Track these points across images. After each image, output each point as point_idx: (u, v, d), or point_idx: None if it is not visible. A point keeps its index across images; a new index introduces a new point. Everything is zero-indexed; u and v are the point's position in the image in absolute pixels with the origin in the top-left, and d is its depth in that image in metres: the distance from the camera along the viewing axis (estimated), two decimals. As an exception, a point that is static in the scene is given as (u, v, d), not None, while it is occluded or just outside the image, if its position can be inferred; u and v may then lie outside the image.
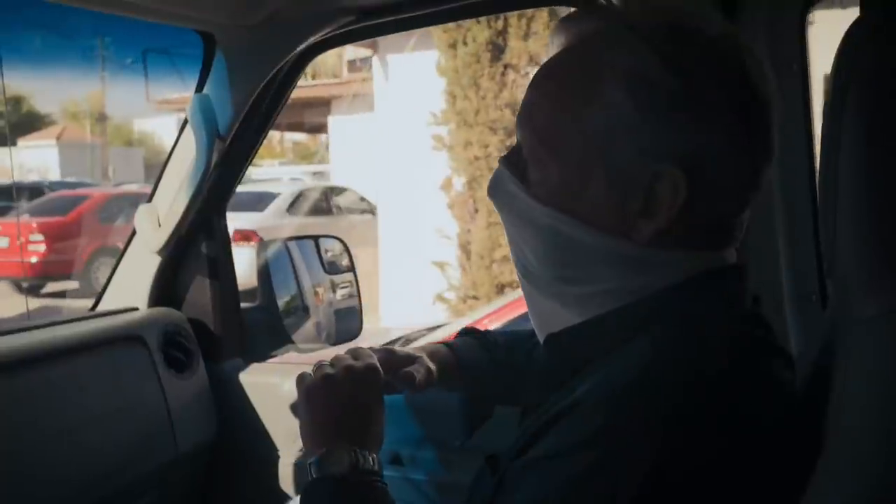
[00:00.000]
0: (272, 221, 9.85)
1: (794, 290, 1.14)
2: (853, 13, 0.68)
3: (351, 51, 12.41)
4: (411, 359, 0.99)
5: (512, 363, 1.06)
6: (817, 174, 1.10)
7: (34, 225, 9.97)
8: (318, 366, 0.92)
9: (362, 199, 11.98)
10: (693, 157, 0.67)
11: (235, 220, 9.48)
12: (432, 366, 1.00)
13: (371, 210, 11.85)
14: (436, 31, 6.86)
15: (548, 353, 0.80)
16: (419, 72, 7.58)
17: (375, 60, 8.85)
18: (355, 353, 0.94)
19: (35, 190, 13.23)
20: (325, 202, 11.28)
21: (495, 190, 0.79)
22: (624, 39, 0.69)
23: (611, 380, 0.66)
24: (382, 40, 8.49)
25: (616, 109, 0.68)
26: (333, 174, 13.60)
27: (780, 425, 0.63)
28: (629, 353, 0.67)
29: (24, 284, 8.96)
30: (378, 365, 0.91)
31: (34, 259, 9.60)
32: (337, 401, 0.87)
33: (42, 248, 9.70)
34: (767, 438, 0.62)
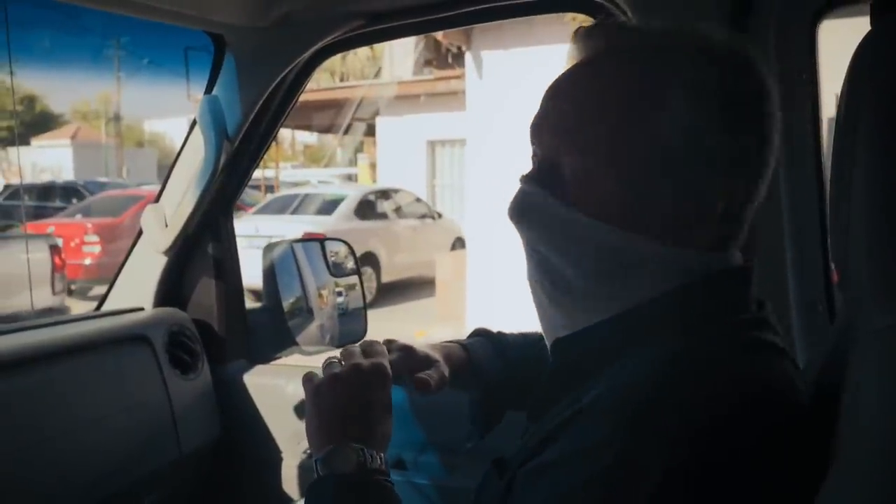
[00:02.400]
0: (341, 225, 9.87)
1: (800, 297, 1.14)
2: (864, 23, 0.68)
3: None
4: (429, 361, 0.98)
5: (524, 364, 1.05)
6: (825, 183, 1.10)
7: (89, 226, 9.92)
8: (328, 363, 0.91)
9: (418, 199, 11.99)
10: (745, 164, 0.69)
11: (305, 224, 9.56)
12: (446, 370, 0.99)
13: (432, 215, 11.90)
14: (572, 24, 6.76)
15: (555, 358, 0.79)
16: (518, 69, 7.53)
17: (468, 56, 8.74)
18: (367, 348, 0.93)
19: (69, 189, 13.30)
20: (387, 205, 11.28)
21: (521, 210, 0.75)
22: (685, 51, 0.70)
23: (621, 384, 0.65)
24: (475, 37, 8.47)
25: (683, 120, 0.68)
26: (380, 175, 13.57)
27: (789, 430, 0.63)
28: (639, 356, 0.67)
29: (73, 287, 8.86)
30: (386, 365, 0.90)
31: (88, 261, 9.54)
32: (344, 399, 0.86)
33: (97, 249, 9.64)
34: (777, 442, 0.61)
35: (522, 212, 0.75)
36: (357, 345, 0.94)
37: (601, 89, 0.71)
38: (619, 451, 0.60)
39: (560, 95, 0.74)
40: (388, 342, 1.00)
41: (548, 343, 0.80)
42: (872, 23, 0.69)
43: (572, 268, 0.73)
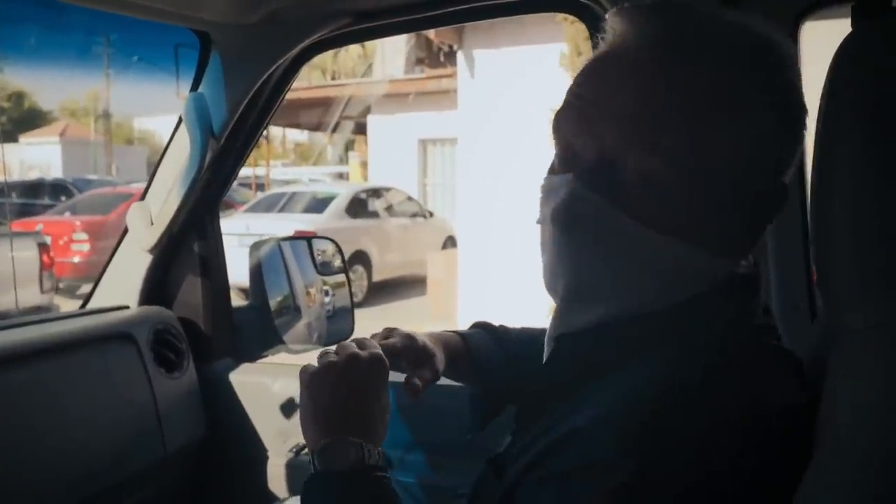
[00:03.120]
0: (332, 223, 9.83)
1: (782, 298, 1.14)
2: (845, 25, 0.68)
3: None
4: (427, 353, 0.97)
5: (524, 358, 1.02)
6: (806, 185, 1.11)
7: (78, 224, 9.85)
8: (323, 353, 0.88)
9: (409, 198, 11.97)
10: (788, 168, 0.70)
11: (295, 222, 9.51)
12: (441, 363, 0.98)
13: (423, 213, 11.88)
14: (564, 24, 6.72)
15: (556, 354, 0.75)
16: (510, 68, 7.51)
17: (460, 55, 8.72)
18: (361, 343, 0.90)
19: (58, 187, 13.22)
20: (378, 204, 11.26)
21: (574, 216, 0.67)
22: (755, 52, 0.67)
23: (632, 394, 0.63)
24: (467, 35, 8.45)
25: (764, 127, 0.66)
26: (371, 174, 13.55)
27: (796, 439, 0.62)
28: (650, 363, 0.65)
29: (61, 285, 8.80)
30: (383, 356, 0.87)
31: (77, 259, 9.49)
32: (342, 390, 0.83)
33: (86, 247, 9.58)
34: (791, 450, 0.61)
35: (571, 216, 0.67)
36: (350, 340, 0.92)
37: (680, 82, 0.64)
38: (635, 467, 0.58)
39: (618, 82, 0.66)
40: (390, 331, 0.99)
41: (550, 337, 0.76)
42: (853, 24, 0.69)
43: (610, 274, 0.68)
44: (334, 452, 0.78)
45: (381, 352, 0.88)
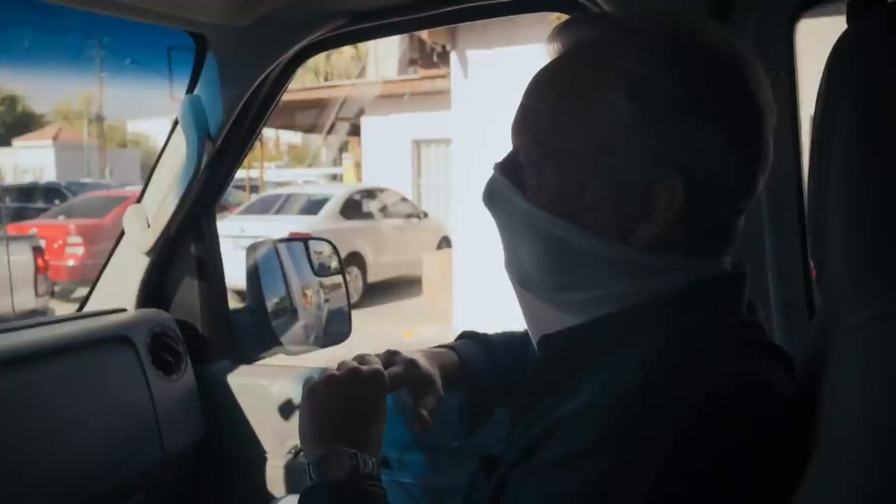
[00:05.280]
0: (326, 225, 9.84)
1: (780, 295, 1.15)
2: (840, 22, 0.68)
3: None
4: (429, 380, 0.97)
5: (509, 363, 1.06)
6: (804, 181, 1.11)
7: (72, 227, 9.82)
8: (325, 370, 0.92)
9: (404, 199, 11.98)
10: (691, 162, 0.67)
11: (290, 224, 9.49)
12: (441, 386, 0.98)
13: (418, 214, 11.88)
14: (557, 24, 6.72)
15: (542, 355, 0.78)
16: (504, 68, 7.50)
17: (453, 56, 8.72)
18: (361, 359, 0.94)
19: (51, 190, 13.18)
20: (373, 205, 11.27)
21: (491, 197, 0.78)
22: (626, 45, 0.70)
23: (614, 384, 0.65)
24: (460, 36, 8.44)
25: (618, 115, 0.68)
26: (365, 175, 13.56)
27: (779, 426, 0.63)
28: (629, 356, 0.66)
29: (56, 289, 8.77)
30: (383, 370, 0.91)
31: (72, 262, 9.46)
32: (340, 402, 0.86)
33: (81, 250, 9.55)
34: (768, 439, 0.61)
35: (490, 197, 0.78)
36: (352, 358, 0.94)
37: (547, 83, 0.74)
38: (613, 457, 0.59)
39: (527, 90, 0.76)
40: (392, 354, 1.00)
41: (534, 339, 0.79)
42: (848, 21, 0.69)
43: (531, 261, 0.75)
44: (330, 463, 0.81)
45: (380, 367, 0.91)
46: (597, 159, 0.69)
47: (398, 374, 0.95)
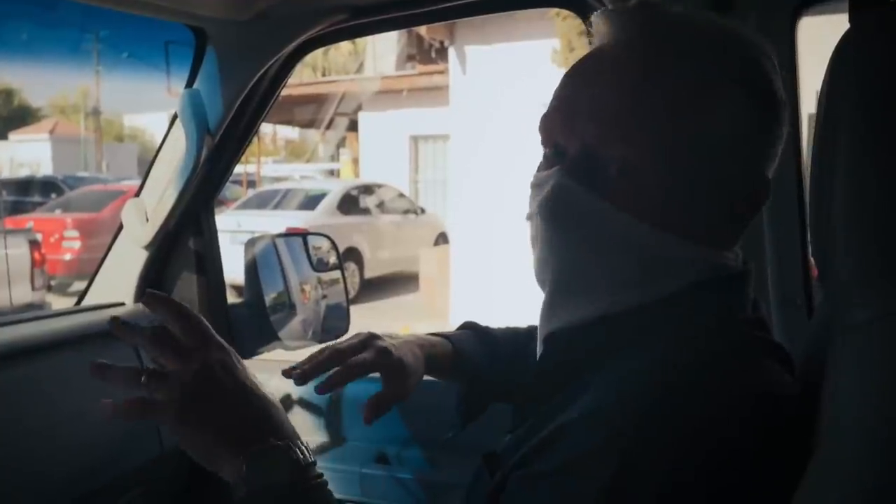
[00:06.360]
0: (323, 220, 9.83)
1: (779, 293, 1.15)
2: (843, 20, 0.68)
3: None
4: (399, 369, 0.95)
5: (511, 359, 1.04)
6: (804, 179, 1.11)
7: (69, 221, 9.80)
8: (149, 374, 0.76)
9: (401, 195, 11.97)
10: (766, 161, 0.70)
11: (287, 219, 9.49)
12: (414, 383, 0.97)
13: (415, 210, 11.87)
14: (556, 20, 6.69)
15: (547, 351, 0.76)
16: (502, 64, 7.50)
17: (452, 51, 8.72)
18: (181, 349, 0.79)
19: (48, 184, 13.16)
20: (370, 201, 11.26)
21: (557, 207, 0.69)
22: (734, 44, 0.70)
23: (622, 386, 0.64)
24: (459, 32, 8.43)
25: (731, 118, 0.67)
26: (363, 171, 13.55)
27: (788, 429, 0.62)
28: (637, 356, 0.65)
29: (52, 283, 8.73)
30: (217, 343, 0.79)
31: (68, 256, 9.44)
32: (219, 398, 0.74)
33: (77, 244, 9.52)
34: (777, 442, 0.61)
35: (557, 208, 0.69)
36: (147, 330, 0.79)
37: (649, 77, 0.67)
38: (621, 461, 0.59)
39: (598, 80, 0.69)
40: (364, 339, 0.98)
41: (540, 335, 0.77)
42: (850, 20, 0.69)
43: (596, 265, 0.69)
44: (264, 463, 0.71)
45: (210, 341, 0.78)
46: (702, 164, 0.67)
47: (365, 359, 0.93)
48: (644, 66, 0.68)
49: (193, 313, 0.80)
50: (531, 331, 0.81)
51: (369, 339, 0.98)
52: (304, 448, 0.73)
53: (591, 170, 0.68)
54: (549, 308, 0.75)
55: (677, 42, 0.69)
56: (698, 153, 0.67)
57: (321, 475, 0.74)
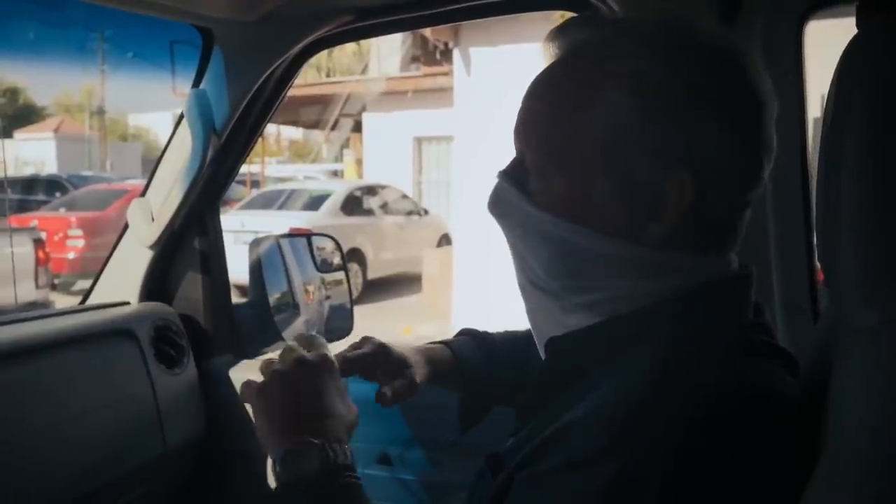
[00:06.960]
0: (327, 221, 9.82)
1: (785, 297, 1.15)
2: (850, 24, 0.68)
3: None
4: (402, 364, 0.98)
5: (510, 363, 1.05)
6: (811, 183, 1.11)
7: (73, 220, 9.79)
8: (267, 363, 0.88)
9: (404, 196, 11.97)
10: (697, 156, 0.67)
11: (291, 219, 9.49)
12: (422, 373, 0.99)
13: (418, 211, 11.87)
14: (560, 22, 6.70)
15: (549, 357, 0.78)
16: (507, 66, 7.49)
17: (456, 53, 8.69)
18: (309, 341, 0.91)
19: (52, 183, 13.18)
20: (373, 201, 11.25)
21: (496, 204, 0.77)
22: (624, 44, 0.70)
23: (622, 389, 0.65)
24: (463, 33, 8.43)
25: (620, 114, 0.68)
26: (366, 172, 13.54)
27: (786, 430, 0.63)
28: (639, 359, 0.66)
29: (56, 281, 8.75)
30: (329, 354, 0.89)
31: (72, 255, 9.43)
32: (292, 395, 0.83)
33: (81, 243, 9.51)
34: (774, 444, 0.61)
35: (496, 206, 0.77)
36: (293, 338, 0.92)
37: (547, 86, 0.74)
38: (622, 462, 0.59)
39: (526, 94, 0.76)
40: (364, 339, 1.00)
41: (539, 342, 0.79)
42: (858, 25, 0.69)
43: (541, 266, 0.74)
44: (297, 460, 0.78)
45: (327, 351, 0.89)
46: (601, 159, 0.69)
47: (362, 353, 0.95)
48: (549, 76, 0.74)
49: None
50: (530, 334, 0.82)
51: (366, 338, 1.00)
52: (339, 450, 0.78)
53: (519, 172, 0.75)
54: (534, 313, 0.79)
55: (582, 49, 0.72)
56: (585, 151, 0.69)
57: (355, 477, 0.78)
